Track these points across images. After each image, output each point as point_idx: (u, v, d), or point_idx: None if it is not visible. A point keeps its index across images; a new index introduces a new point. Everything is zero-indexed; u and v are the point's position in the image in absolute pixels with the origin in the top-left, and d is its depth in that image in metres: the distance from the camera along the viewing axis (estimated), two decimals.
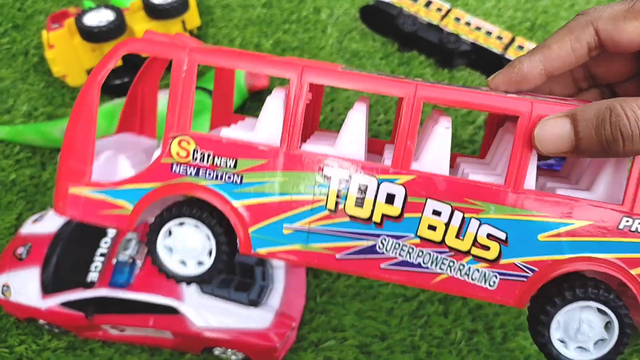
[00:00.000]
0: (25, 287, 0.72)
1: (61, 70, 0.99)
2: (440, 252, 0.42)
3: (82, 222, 0.45)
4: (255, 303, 0.72)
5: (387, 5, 1.13)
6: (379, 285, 0.83)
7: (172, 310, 0.70)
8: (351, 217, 0.42)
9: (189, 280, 0.44)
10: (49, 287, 0.72)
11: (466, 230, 0.41)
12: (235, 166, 0.42)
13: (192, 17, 1.07)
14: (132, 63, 1.03)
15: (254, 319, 0.71)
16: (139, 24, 1.00)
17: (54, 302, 0.71)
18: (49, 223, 0.78)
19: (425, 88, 0.41)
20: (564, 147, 0.40)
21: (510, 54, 1.08)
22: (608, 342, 0.42)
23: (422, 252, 0.42)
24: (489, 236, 0.41)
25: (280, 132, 0.42)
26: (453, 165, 0.46)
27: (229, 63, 0.43)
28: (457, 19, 1.13)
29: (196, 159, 0.42)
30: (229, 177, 0.42)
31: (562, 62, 0.44)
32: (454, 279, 0.42)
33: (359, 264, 0.43)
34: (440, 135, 0.42)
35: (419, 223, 0.42)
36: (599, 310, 0.42)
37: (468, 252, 0.42)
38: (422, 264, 0.42)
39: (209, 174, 0.42)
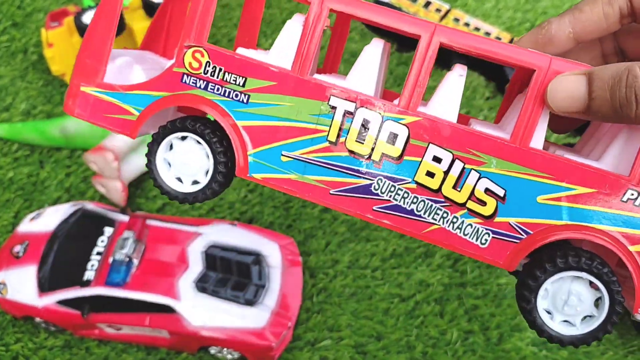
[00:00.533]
0: (21, 285, 0.72)
1: (60, 69, 0.99)
2: (435, 201, 0.41)
3: (88, 121, 0.44)
4: (251, 302, 0.72)
5: (387, 6, 1.13)
6: (375, 285, 0.83)
7: (168, 309, 0.70)
8: (350, 152, 0.41)
9: (182, 197, 0.43)
10: (45, 285, 0.72)
11: (464, 182, 0.40)
12: (244, 84, 0.41)
13: None
14: None
15: (250, 318, 0.71)
16: (138, 22, 1.00)
17: (50, 300, 0.71)
18: (46, 221, 0.78)
19: (445, 30, 0.39)
20: (575, 106, 0.38)
21: None
22: (596, 319, 0.40)
23: (417, 199, 0.41)
24: (487, 191, 0.40)
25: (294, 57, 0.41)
26: (465, 124, 0.44)
27: None
28: (456, 20, 1.13)
29: (207, 72, 0.42)
30: (236, 95, 0.42)
31: (593, 27, 0.42)
32: (446, 231, 0.41)
33: (352, 202, 0.41)
34: (453, 81, 0.41)
35: (418, 167, 0.40)
36: (591, 285, 0.40)
37: (463, 205, 0.40)
38: (415, 211, 0.41)
39: (217, 89, 0.42)
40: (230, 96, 0.42)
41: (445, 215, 0.41)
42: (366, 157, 0.41)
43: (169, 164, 0.43)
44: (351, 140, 0.41)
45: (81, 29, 0.93)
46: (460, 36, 0.39)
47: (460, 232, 0.41)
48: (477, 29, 1.11)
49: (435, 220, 0.41)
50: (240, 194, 0.91)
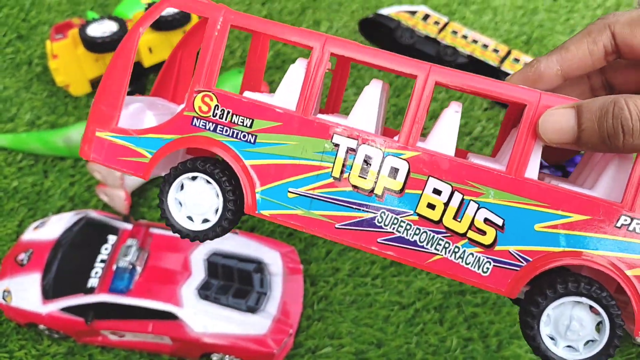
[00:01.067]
0: (26, 292, 0.73)
1: (64, 80, 1.00)
2: (437, 232, 0.42)
3: (103, 164, 0.46)
4: (253, 310, 0.73)
5: (386, 19, 1.15)
6: (375, 293, 0.84)
7: (171, 316, 0.71)
8: (354, 187, 0.43)
9: (193, 235, 0.45)
10: (49, 293, 0.73)
11: (464, 212, 0.42)
12: (251, 126, 0.44)
13: None
14: (134, 73, 1.04)
15: (251, 325, 0.71)
16: (142, 35, 1.02)
17: (54, 307, 0.72)
18: (50, 229, 0.79)
19: (439, 70, 0.42)
20: (566, 138, 0.40)
21: (506, 67, 1.10)
22: (598, 343, 0.41)
23: (419, 230, 0.42)
24: (486, 221, 0.41)
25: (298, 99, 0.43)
26: (463, 158, 0.46)
27: (260, 27, 0.44)
28: (454, 32, 1.14)
29: (216, 115, 0.44)
30: (244, 136, 0.44)
31: (579, 64, 0.44)
32: (448, 261, 0.42)
33: (356, 235, 0.43)
34: (449, 117, 0.43)
35: (419, 200, 0.42)
36: (591, 309, 0.41)
37: (464, 235, 0.42)
38: (418, 242, 0.43)
39: (226, 131, 0.44)
40: (239, 137, 0.44)
41: (447, 245, 0.42)
42: (369, 191, 0.42)
43: (180, 204, 0.45)
44: (354, 176, 0.43)
45: (86, 41, 0.94)
46: (454, 76, 0.42)
47: (462, 262, 0.42)
48: (475, 41, 1.13)
49: (438, 250, 0.42)
50: None
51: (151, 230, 0.78)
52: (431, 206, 0.42)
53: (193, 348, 0.72)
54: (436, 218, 0.42)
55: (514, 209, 0.41)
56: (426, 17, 1.17)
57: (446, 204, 0.42)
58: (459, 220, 0.42)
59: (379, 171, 0.42)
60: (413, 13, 1.17)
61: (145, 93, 1.06)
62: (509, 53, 1.12)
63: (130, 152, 0.45)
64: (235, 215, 0.45)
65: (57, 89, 1.04)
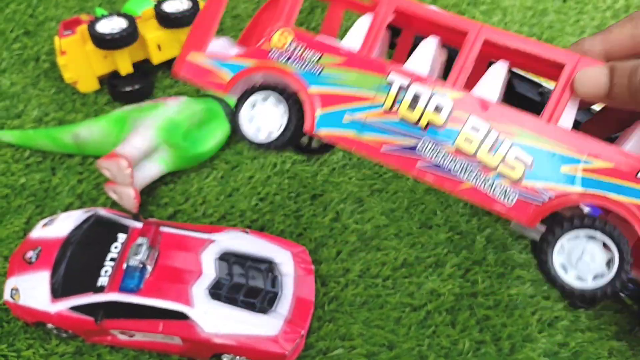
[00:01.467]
0: (34, 290, 0.72)
1: (73, 77, 0.99)
2: (471, 163, 0.47)
3: (192, 80, 0.55)
4: (264, 310, 0.72)
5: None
6: (386, 294, 0.83)
7: (181, 316, 0.70)
8: (402, 117, 0.49)
9: (257, 144, 0.54)
10: (58, 291, 0.72)
11: (498, 149, 0.46)
12: (319, 60, 0.51)
13: None
14: (143, 70, 1.04)
15: (263, 326, 0.71)
16: (151, 32, 1.01)
17: (63, 306, 0.71)
18: (59, 227, 0.78)
19: (489, 29, 0.48)
20: (599, 92, 0.44)
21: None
22: (606, 277, 0.45)
23: (455, 160, 0.48)
24: (517, 158, 0.46)
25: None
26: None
27: None
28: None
29: (290, 48, 0.52)
30: (312, 67, 0.51)
31: (620, 46, 0.48)
32: (478, 190, 0.47)
33: (399, 160, 0.49)
34: (498, 69, 0.49)
35: (458, 134, 0.47)
36: (604, 246, 0.45)
37: (495, 168, 0.47)
38: (453, 170, 0.48)
39: (297, 62, 0.52)
40: (307, 68, 0.52)
41: (478, 175, 0.47)
42: (414, 122, 0.48)
43: (250, 119, 0.54)
44: (403, 109, 0.49)
45: (95, 37, 0.93)
46: (501, 36, 0.47)
47: (490, 191, 0.47)
48: None
49: (470, 179, 0.48)
50: (251, 202, 0.91)
51: (161, 229, 0.77)
52: (468, 140, 0.47)
53: (204, 348, 0.71)
54: (472, 151, 0.47)
55: (543, 150, 0.46)
56: None
57: (482, 141, 0.47)
58: (492, 155, 0.47)
59: (425, 107, 0.48)
60: None
61: (153, 91, 1.05)
62: None
63: (214, 73, 0.54)
64: (295, 133, 0.52)
65: (65, 86, 1.03)
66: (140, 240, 0.73)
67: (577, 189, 0.45)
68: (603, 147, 0.45)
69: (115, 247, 0.74)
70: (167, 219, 0.88)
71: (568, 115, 0.47)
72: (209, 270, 0.73)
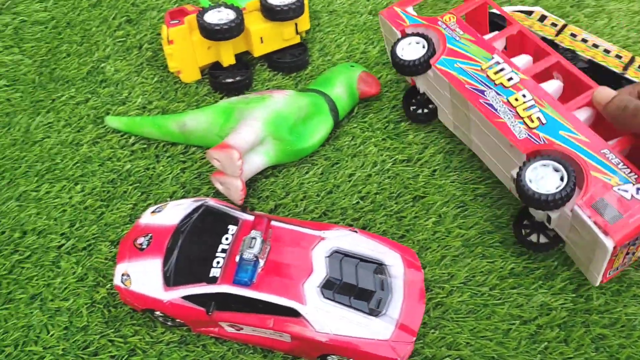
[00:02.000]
0: (147, 277, 0.72)
1: (177, 66, 1.00)
2: (510, 110, 0.77)
3: (387, 20, 0.94)
4: (375, 313, 0.70)
5: (500, 18, 1.10)
6: (493, 304, 0.80)
7: (293, 313, 0.68)
8: (487, 75, 0.81)
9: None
10: (171, 280, 0.72)
11: (529, 110, 0.77)
12: (461, 35, 0.88)
13: (304, 21, 1.07)
14: (243, 62, 1.03)
15: (374, 329, 0.68)
16: (255, 24, 1.00)
17: (176, 294, 0.71)
18: (168, 215, 0.78)
19: (562, 60, 0.85)
20: (600, 103, 0.75)
21: (630, 74, 1.03)
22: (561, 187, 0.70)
23: (503, 106, 0.78)
24: (538, 118, 0.76)
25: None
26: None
27: None
28: (573, 35, 1.09)
29: (450, 24, 0.90)
30: (455, 36, 0.89)
31: None
32: (505, 124, 0.77)
33: (472, 95, 0.80)
34: (553, 84, 0.84)
35: (512, 94, 0.78)
36: (556, 171, 0.71)
37: (522, 118, 0.76)
38: (498, 110, 0.78)
39: (449, 30, 0.89)
40: (453, 35, 0.87)
41: (511, 118, 0.77)
42: (492, 80, 0.80)
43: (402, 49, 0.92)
44: (491, 72, 0.81)
45: (204, 28, 0.93)
46: (570, 66, 0.86)
47: (512, 128, 0.76)
48: (595, 46, 1.07)
49: (504, 118, 0.77)
50: (352, 200, 0.89)
51: (272, 223, 0.76)
52: (516, 99, 0.78)
53: (312, 348, 0.70)
54: (515, 105, 0.78)
55: (555, 119, 0.75)
56: (543, 18, 1.11)
57: (523, 102, 0.77)
58: (525, 112, 0.77)
59: (502, 75, 0.81)
60: (529, 14, 1.12)
61: (253, 83, 1.04)
62: (632, 60, 1.05)
63: (401, 18, 0.92)
64: (425, 60, 0.87)
65: (167, 74, 1.04)
66: (254, 233, 0.72)
67: (565, 145, 0.73)
68: (589, 132, 0.73)
69: (226, 239, 0.74)
70: (269, 212, 0.87)
71: (581, 114, 0.77)
72: (320, 268, 0.71)
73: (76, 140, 0.94)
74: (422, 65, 0.84)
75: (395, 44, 0.88)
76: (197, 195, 0.88)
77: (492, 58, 0.82)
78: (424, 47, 0.86)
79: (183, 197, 0.88)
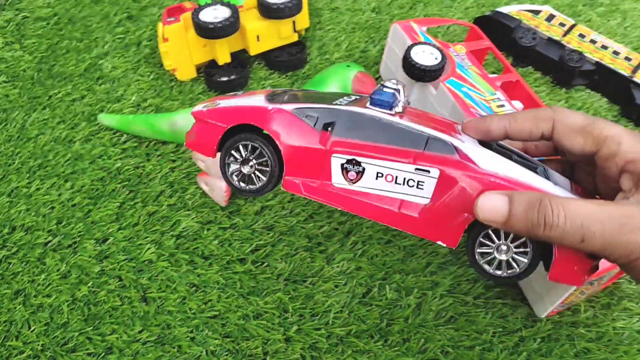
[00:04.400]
0: (243, 99, 0.59)
1: (172, 64, 1.00)
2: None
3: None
4: (546, 175, 0.55)
5: (506, 17, 1.07)
6: (476, 313, 0.78)
7: (447, 150, 0.52)
8: (490, 106, 0.82)
9: None
10: (278, 98, 0.58)
11: None
12: (469, 65, 0.91)
13: (303, 19, 1.05)
14: (239, 60, 1.03)
15: (550, 186, 0.52)
16: (251, 22, 1.00)
17: (286, 106, 0.56)
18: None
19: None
20: (497, 218, 0.49)
21: (639, 78, 0.99)
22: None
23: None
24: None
25: None
26: None
27: None
28: (582, 36, 1.05)
29: (461, 54, 0.94)
30: (464, 64, 0.91)
31: (521, 135, 0.55)
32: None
33: (466, 106, 0.82)
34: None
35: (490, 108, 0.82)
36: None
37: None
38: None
39: (459, 58, 0.93)
40: (462, 63, 0.91)
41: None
42: (496, 113, 0.81)
43: None
44: (494, 105, 0.83)
45: (198, 26, 0.93)
46: None
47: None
48: (604, 47, 1.03)
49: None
50: None
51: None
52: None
53: (465, 202, 0.52)
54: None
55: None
56: (551, 17, 1.08)
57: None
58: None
59: (504, 110, 0.81)
60: (536, 13, 1.09)
61: (248, 82, 1.04)
62: None
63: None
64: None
65: (163, 72, 1.04)
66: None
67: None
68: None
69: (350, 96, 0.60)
70: (254, 214, 0.87)
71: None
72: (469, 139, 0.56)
73: (69, 137, 0.95)
74: (434, 73, 0.84)
75: (412, 46, 0.87)
76: (184, 195, 0.88)
77: (495, 94, 0.84)
78: (436, 58, 0.86)
79: (170, 196, 0.88)
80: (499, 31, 1.07)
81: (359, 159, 0.53)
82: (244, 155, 0.56)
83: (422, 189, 0.52)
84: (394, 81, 0.55)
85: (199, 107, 0.60)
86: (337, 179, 0.54)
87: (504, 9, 1.09)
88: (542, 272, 0.70)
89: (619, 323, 0.77)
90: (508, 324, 0.77)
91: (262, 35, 1.01)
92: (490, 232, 0.52)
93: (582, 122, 0.52)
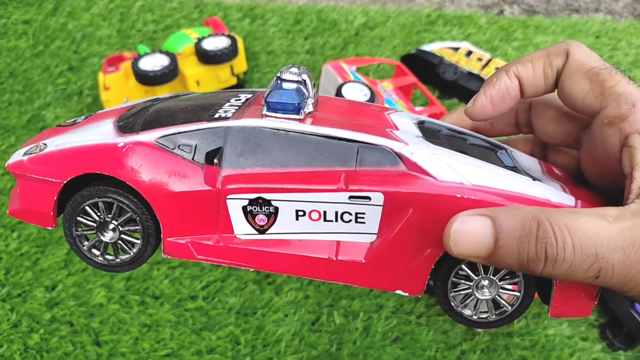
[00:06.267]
0: (82, 134, 0.42)
1: None
2: None
3: None
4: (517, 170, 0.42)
5: (429, 55, 1.16)
6: (419, 331, 0.83)
7: (386, 161, 0.38)
8: None
9: None
10: (134, 126, 0.41)
11: None
12: (396, 101, 0.98)
13: (240, 63, 1.11)
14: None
15: (534, 188, 0.38)
16: (190, 68, 1.04)
17: (146, 137, 0.39)
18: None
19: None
20: (478, 253, 0.34)
21: None
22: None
23: None
24: None
25: None
26: None
27: None
28: (497, 69, 1.14)
29: (388, 90, 1.00)
30: (392, 99, 0.97)
31: (535, 84, 0.41)
32: None
33: None
34: None
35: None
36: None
37: None
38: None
39: (387, 94, 1.00)
40: (390, 98, 0.97)
41: None
42: None
43: None
44: None
45: (138, 74, 0.97)
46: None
47: None
48: None
49: None
50: None
51: None
52: None
53: (430, 227, 0.39)
54: None
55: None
56: (469, 53, 1.17)
57: None
58: None
59: None
60: (456, 49, 1.18)
61: None
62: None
63: None
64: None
65: None
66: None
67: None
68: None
69: (237, 99, 0.44)
70: None
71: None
72: (408, 126, 0.42)
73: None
74: None
75: (343, 85, 0.93)
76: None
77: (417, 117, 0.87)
78: (365, 95, 0.92)
79: None
80: (423, 67, 1.15)
81: (266, 196, 0.38)
82: (97, 218, 0.39)
83: (364, 222, 0.38)
84: (295, 69, 0.39)
85: (17, 155, 0.41)
86: (241, 229, 0.38)
87: (427, 47, 1.18)
88: None
89: (550, 330, 0.83)
90: (449, 339, 0.82)
91: (201, 80, 1.06)
92: (463, 266, 0.38)
93: (595, 64, 0.39)
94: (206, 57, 1.03)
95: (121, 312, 0.82)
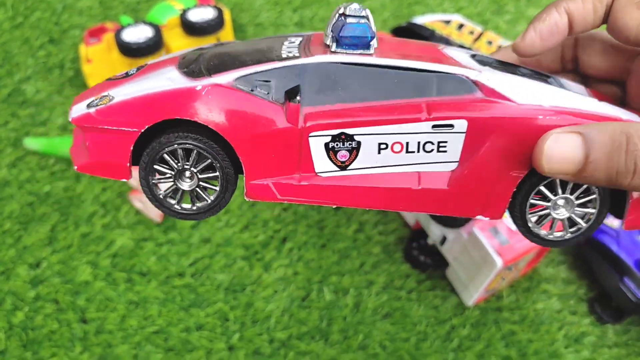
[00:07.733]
0: (149, 81, 0.41)
1: None
2: None
3: None
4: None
5: (420, 27, 1.13)
6: (410, 307, 0.82)
7: (460, 90, 0.38)
8: None
9: None
10: (204, 69, 0.41)
11: None
12: None
13: (227, 35, 1.08)
14: None
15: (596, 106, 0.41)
16: (175, 40, 1.01)
17: (222, 79, 0.39)
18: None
19: None
20: (568, 169, 0.36)
21: None
22: None
23: None
24: None
25: None
26: None
27: None
28: (490, 42, 1.13)
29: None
30: None
31: (585, 17, 0.42)
32: None
33: None
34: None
35: None
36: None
37: None
38: None
39: None
40: None
41: None
42: None
43: None
44: None
45: (121, 46, 0.94)
46: None
47: None
48: None
49: None
50: (274, 212, 0.91)
51: None
52: None
53: (513, 149, 0.41)
54: None
55: None
56: (461, 26, 1.15)
57: None
58: None
59: None
60: (447, 22, 1.16)
61: None
62: None
63: None
64: None
65: None
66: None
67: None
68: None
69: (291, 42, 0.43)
70: (190, 228, 0.88)
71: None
72: (467, 61, 0.42)
73: None
74: None
75: None
76: (117, 214, 0.88)
77: None
78: None
79: (103, 216, 0.88)
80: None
81: (349, 131, 0.38)
82: (175, 165, 0.38)
83: (445, 151, 0.38)
84: (356, 6, 0.39)
85: (80, 108, 0.39)
86: (323, 166, 0.39)
87: (418, 20, 1.15)
88: (464, 261, 0.76)
89: (539, 305, 0.83)
90: (439, 314, 0.82)
91: None
92: (542, 187, 0.39)
93: None
94: (192, 29, 1.00)
95: (108, 289, 0.81)
